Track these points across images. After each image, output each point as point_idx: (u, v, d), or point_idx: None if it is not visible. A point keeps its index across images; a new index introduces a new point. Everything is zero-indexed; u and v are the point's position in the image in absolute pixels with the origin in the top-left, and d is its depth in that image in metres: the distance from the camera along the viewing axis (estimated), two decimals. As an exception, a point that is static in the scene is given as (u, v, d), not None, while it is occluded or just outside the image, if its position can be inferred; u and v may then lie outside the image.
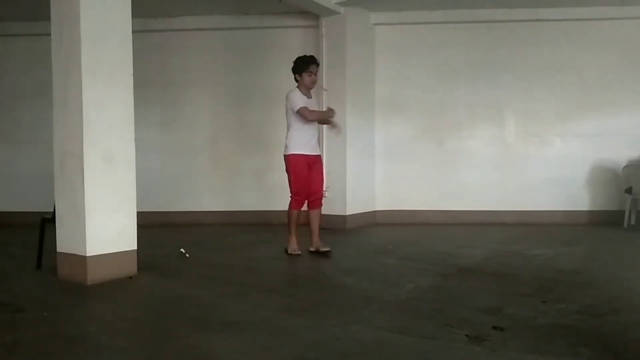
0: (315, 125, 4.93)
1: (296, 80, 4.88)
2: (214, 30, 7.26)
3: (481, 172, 7.13)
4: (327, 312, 3.19)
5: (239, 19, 7.18)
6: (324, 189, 4.94)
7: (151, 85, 6.97)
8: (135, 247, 4.18)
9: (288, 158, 4.82)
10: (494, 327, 2.84)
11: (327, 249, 4.95)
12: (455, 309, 3.24)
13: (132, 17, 4.16)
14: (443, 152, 7.21)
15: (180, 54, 7.31)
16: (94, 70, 3.90)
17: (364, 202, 7.04)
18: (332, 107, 5.01)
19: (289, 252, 4.90)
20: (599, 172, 7.02)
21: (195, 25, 7.21)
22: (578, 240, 5.81)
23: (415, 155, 7.22)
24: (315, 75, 4.88)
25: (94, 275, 3.86)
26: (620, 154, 6.92)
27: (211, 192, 7.32)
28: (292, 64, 4.88)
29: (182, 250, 4.99)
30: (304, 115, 4.66)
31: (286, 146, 4.84)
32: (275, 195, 6.49)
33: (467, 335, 2.73)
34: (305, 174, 4.86)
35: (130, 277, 4.04)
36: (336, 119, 4.93)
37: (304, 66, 4.81)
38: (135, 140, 4.20)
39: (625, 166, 6.78)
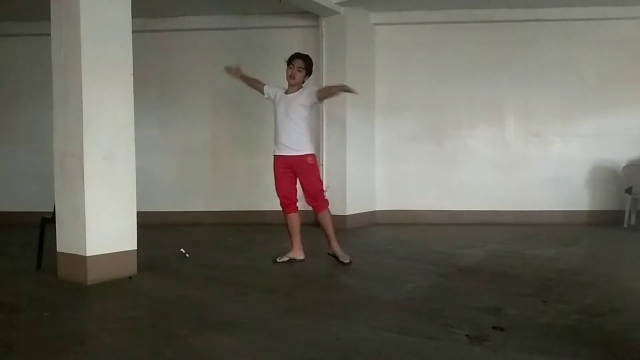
0: (286, 121, 4.47)
1: None
2: (214, 30, 7.26)
3: (481, 172, 7.13)
4: (327, 312, 3.19)
5: (239, 19, 7.18)
6: (324, 189, 4.67)
7: (151, 85, 6.97)
8: (135, 247, 4.17)
9: None
10: (494, 327, 2.84)
11: (347, 260, 4.55)
12: (455, 309, 3.24)
13: (132, 17, 4.16)
14: (443, 152, 7.21)
15: (180, 54, 7.30)
16: (94, 70, 3.90)
17: (364, 202, 7.04)
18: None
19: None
20: (599, 172, 7.02)
21: (195, 25, 7.21)
22: (578, 240, 5.81)
23: (415, 155, 7.22)
24: (295, 68, 4.47)
25: (94, 275, 3.85)
26: (620, 154, 6.92)
27: (211, 192, 7.32)
28: None
29: (182, 250, 4.99)
30: None
31: None
32: (275, 195, 6.48)
33: (467, 335, 2.73)
34: (278, 176, 4.59)
35: (130, 277, 4.04)
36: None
37: (289, 58, 4.60)
38: (135, 140, 4.20)
39: (625, 166, 6.78)
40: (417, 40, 7.21)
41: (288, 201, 4.65)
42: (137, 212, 4.24)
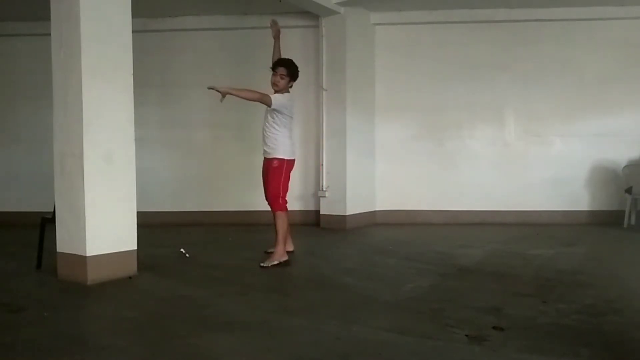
0: (265, 125, 4.68)
1: None
2: (214, 30, 7.26)
3: (481, 172, 7.13)
4: (327, 312, 3.19)
5: (238, 19, 7.18)
6: (280, 196, 4.60)
7: (151, 85, 6.96)
8: (135, 247, 4.17)
9: None
10: (494, 327, 2.84)
11: (264, 264, 4.49)
12: (455, 309, 3.24)
13: (132, 17, 4.16)
14: (443, 152, 7.21)
15: (180, 54, 7.31)
16: (94, 70, 3.90)
17: (364, 202, 7.04)
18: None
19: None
20: (599, 172, 7.02)
21: (195, 25, 7.21)
22: (578, 240, 5.81)
23: (415, 155, 7.22)
24: (277, 75, 4.61)
25: (94, 275, 3.85)
26: (620, 154, 6.92)
27: (211, 192, 7.31)
28: None
29: (182, 250, 4.99)
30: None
31: None
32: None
33: (467, 335, 2.73)
34: (263, 177, 4.81)
35: (130, 277, 4.04)
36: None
37: (273, 65, 4.74)
38: (135, 140, 4.20)
39: (625, 166, 6.78)
40: (417, 40, 7.21)
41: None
42: (137, 212, 4.24)
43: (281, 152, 4.63)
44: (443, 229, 6.68)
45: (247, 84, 7.02)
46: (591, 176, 7.04)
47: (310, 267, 4.64)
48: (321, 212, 6.91)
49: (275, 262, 4.53)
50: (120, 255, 4.05)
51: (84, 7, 3.83)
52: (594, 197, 7.05)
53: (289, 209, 4.84)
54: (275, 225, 4.64)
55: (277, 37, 5.19)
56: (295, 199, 6.83)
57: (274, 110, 4.54)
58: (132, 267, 4.12)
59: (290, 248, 4.91)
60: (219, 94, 4.41)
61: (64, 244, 4.01)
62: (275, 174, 4.63)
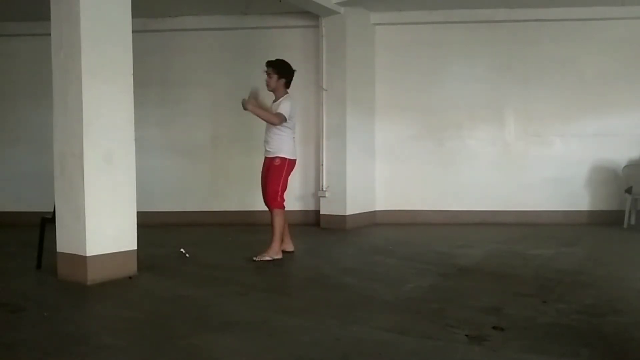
0: (267, 126, 4.74)
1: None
2: (214, 30, 7.26)
3: (481, 172, 7.13)
4: (327, 312, 3.19)
5: (239, 19, 7.18)
6: (279, 194, 4.68)
7: (151, 85, 6.96)
8: (135, 247, 4.17)
9: None
10: (494, 327, 2.84)
11: (256, 259, 4.64)
12: (455, 309, 3.24)
13: (132, 17, 4.16)
14: (443, 152, 7.21)
15: (180, 54, 7.30)
16: (94, 70, 3.90)
17: (364, 202, 7.04)
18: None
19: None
20: (599, 172, 7.02)
21: (195, 25, 7.21)
22: (578, 240, 5.81)
23: (415, 155, 7.22)
24: (268, 76, 4.73)
25: (94, 275, 3.85)
26: (620, 154, 6.91)
27: (211, 192, 7.32)
28: None
29: (182, 250, 4.99)
30: None
31: None
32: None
33: (467, 335, 2.73)
34: (261, 176, 4.86)
35: (130, 277, 4.04)
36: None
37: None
38: (135, 140, 4.20)
39: (625, 166, 6.78)
40: (417, 40, 7.21)
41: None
42: (137, 212, 4.24)
43: (284, 151, 4.70)
44: (443, 229, 6.68)
45: (247, 83, 7.06)
46: (591, 176, 7.04)
47: (310, 267, 4.64)
48: (321, 212, 6.91)
49: (268, 258, 4.61)
50: (120, 255, 4.05)
51: (84, 7, 3.83)
52: (594, 197, 7.05)
53: (287, 209, 4.89)
54: (271, 222, 4.69)
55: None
56: (295, 199, 6.84)
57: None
58: (132, 267, 4.12)
59: (291, 248, 4.92)
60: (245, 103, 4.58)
61: (64, 244, 4.01)
62: (276, 172, 4.68)
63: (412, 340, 2.69)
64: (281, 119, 4.58)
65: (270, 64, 4.76)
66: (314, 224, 6.94)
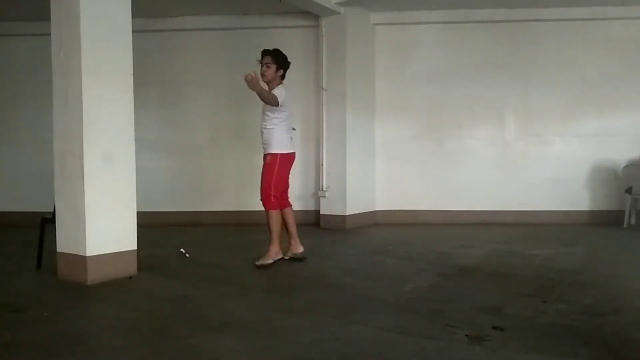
0: (264, 118, 4.58)
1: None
2: (214, 30, 7.26)
3: (481, 172, 7.13)
4: (327, 312, 3.19)
5: (239, 19, 7.18)
6: (267, 193, 4.52)
7: (151, 85, 6.96)
8: (135, 247, 4.17)
9: None
10: (494, 327, 2.84)
11: (258, 263, 4.51)
12: (455, 309, 3.24)
13: (132, 17, 4.16)
14: (443, 152, 7.21)
15: (180, 54, 7.30)
16: (94, 70, 3.90)
17: (364, 202, 7.04)
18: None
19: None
20: (599, 172, 7.02)
21: (195, 25, 7.21)
22: (578, 240, 5.81)
23: (415, 155, 7.22)
24: (264, 65, 4.55)
25: (94, 275, 3.86)
26: (620, 154, 6.91)
27: (211, 192, 7.31)
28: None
29: (182, 250, 4.99)
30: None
31: None
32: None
33: (467, 335, 2.73)
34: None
35: (130, 277, 4.04)
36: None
37: (260, 57, 4.66)
38: (135, 140, 4.20)
39: (625, 166, 6.78)
40: (417, 40, 7.21)
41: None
42: (137, 212, 4.24)
43: (275, 146, 4.55)
44: (443, 229, 6.68)
45: (246, 83, 7.05)
46: (591, 176, 7.04)
47: (310, 267, 4.63)
48: (321, 212, 6.91)
49: (270, 262, 4.51)
50: (120, 255, 4.05)
51: (84, 7, 3.83)
52: (594, 197, 7.04)
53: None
54: (267, 224, 4.57)
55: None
56: (295, 199, 6.78)
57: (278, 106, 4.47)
58: (132, 267, 4.12)
59: (300, 249, 4.74)
60: (249, 77, 4.25)
61: (64, 244, 4.02)
62: (267, 169, 4.55)
63: (412, 340, 2.69)
64: (275, 100, 4.38)
65: (268, 52, 4.59)
66: (314, 224, 6.94)
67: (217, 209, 7.20)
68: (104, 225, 3.96)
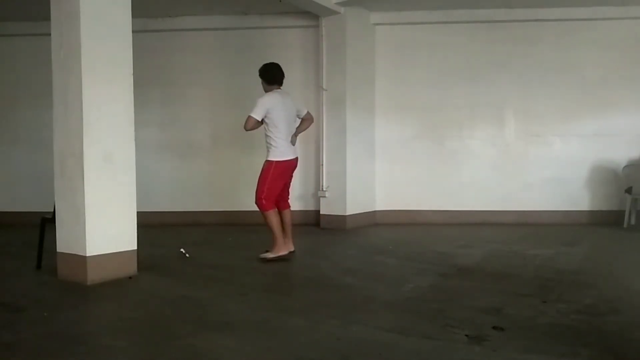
0: (264, 128, 4.73)
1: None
2: (214, 30, 7.26)
3: (481, 172, 7.13)
4: (327, 312, 3.19)
5: (239, 19, 7.18)
6: (259, 195, 4.65)
7: (151, 85, 6.96)
8: (135, 247, 4.18)
9: None
10: (494, 327, 2.84)
11: (263, 256, 4.72)
12: (455, 309, 3.24)
13: (132, 17, 4.16)
14: (443, 152, 7.21)
15: (180, 54, 7.30)
16: (94, 69, 3.90)
17: (364, 202, 7.04)
18: None
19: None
20: (599, 172, 7.02)
21: (195, 25, 7.21)
22: (578, 240, 5.80)
23: (415, 155, 7.22)
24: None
25: (94, 275, 3.86)
26: (620, 154, 6.91)
27: (211, 192, 7.32)
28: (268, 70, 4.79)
29: (182, 250, 4.99)
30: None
31: None
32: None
33: (467, 335, 2.73)
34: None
35: (130, 277, 4.04)
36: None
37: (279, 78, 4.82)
38: (135, 140, 4.20)
39: (625, 166, 6.78)
40: (417, 40, 7.21)
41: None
42: (137, 212, 4.24)
43: (272, 154, 4.71)
44: (443, 229, 6.68)
45: (246, 84, 7.08)
46: (591, 176, 7.04)
47: (310, 267, 4.63)
48: (321, 212, 6.91)
49: (272, 256, 4.65)
50: (120, 255, 4.05)
51: (84, 6, 3.83)
52: (594, 197, 7.04)
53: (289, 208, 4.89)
54: (266, 224, 4.72)
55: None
56: (295, 199, 6.81)
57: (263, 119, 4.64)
58: (132, 267, 4.12)
59: (291, 248, 4.88)
60: None
61: (64, 244, 4.02)
62: (262, 173, 4.70)
63: (412, 340, 2.69)
64: (249, 123, 4.59)
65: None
66: (314, 224, 6.94)
67: (217, 209, 7.21)
68: (104, 225, 3.96)
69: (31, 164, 7.15)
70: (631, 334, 2.80)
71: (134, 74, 4.17)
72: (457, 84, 7.13)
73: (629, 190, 6.58)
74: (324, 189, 6.87)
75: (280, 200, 4.82)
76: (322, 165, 6.92)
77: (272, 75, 4.76)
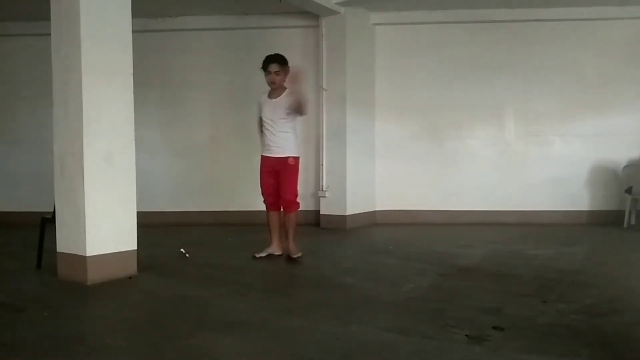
0: (272, 124, 4.62)
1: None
2: (214, 30, 7.26)
3: (481, 172, 7.13)
4: (327, 312, 3.19)
5: (239, 19, 7.18)
6: (295, 194, 4.66)
7: (151, 85, 6.96)
8: (135, 247, 4.17)
9: None
10: (494, 327, 2.84)
11: (296, 256, 4.70)
12: (455, 309, 3.24)
13: (132, 17, 4.16)
14: (443, 152, 7.21)
15: (180, 54, 7.30)
16: (94, 70, 3.90)
17: (364, 202, 7.04)
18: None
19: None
20: (599, 172, 7.02)
21: (195, 25, 7.21)
22: (578, 240, 5.81)
23: (415, 155, 7.21)
24: (275, 74, 4.59)
25: (94, 275, 3.85)
26: (620, 154, 6.91)
27: (211, 192, 7.31)
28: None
29: (182, 250, 4.99)
30: None
31: None
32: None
33: (467, 335, 2.73)
34: (263, 176, 4.77)
35: (130, 277, 4.04)
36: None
37: (263, 65, 4.67)
38: (135, 140, 4.20)
39: (625, 166, 6.78)
40: (417, 40, 7.21)
41: (271, 199, 4.80)
42: (137, 212, 4.24)
43: (295, 150, 4.66)
44: (443, 229, 6.68)
45: (246, 84, 7.10)
46: (591, 176, 7.04)
47: (311, 267, 4.63)
48: (321, 212, 6.91)
49: (300, 254, 4.66)
50: (120, 255, 4.05)
51: (83, 6, 3.82)
52: (594, 197, 7.04)
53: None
54: (287, 225, 4.68)
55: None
56: (295, 199, 6.84)
57: (286, 108, 4.55)
58: (132, 267, 4.12)
59: (279, 252, 4.86)
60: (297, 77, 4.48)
61: (64, 244, 4.01)
62: (293, 172, 4.66)
63: (412, 340, 2.69)
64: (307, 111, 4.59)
65: (273, 60, 4.63)
66: (314, 224, 6.94)
67: (216, 209, 7.20)
68: (104, 225, 3.96)
69: (31, 164, 7.15)
70: (631, 334, 2.80)
71: (134, 74, 4.17)
72: (457, 83, 7.13)
73: (629, 190, 6.59)
74: (324, 189, 6.87)
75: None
76: (322, 165, 6.92)
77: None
